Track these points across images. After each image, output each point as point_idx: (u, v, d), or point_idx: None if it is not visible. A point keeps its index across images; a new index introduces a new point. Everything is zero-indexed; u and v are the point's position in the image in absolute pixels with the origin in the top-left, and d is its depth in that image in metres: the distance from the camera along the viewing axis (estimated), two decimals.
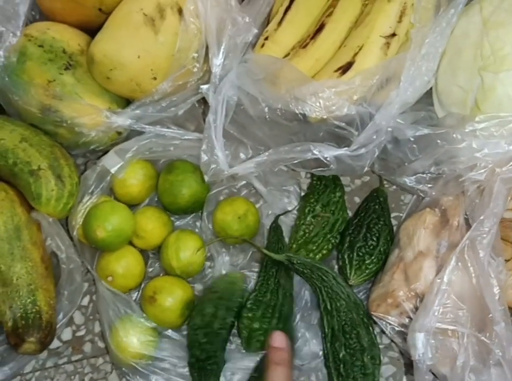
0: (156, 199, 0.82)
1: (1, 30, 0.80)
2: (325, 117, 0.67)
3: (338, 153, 0.66)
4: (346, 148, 0.66)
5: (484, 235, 0.61)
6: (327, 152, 0.66)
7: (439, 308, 0.62)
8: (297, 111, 0.67)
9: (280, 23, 0.77)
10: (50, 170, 0.77)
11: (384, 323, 0.66)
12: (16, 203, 0.77)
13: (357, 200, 0.80)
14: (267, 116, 0.70)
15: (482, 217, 0.60)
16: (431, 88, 0.74)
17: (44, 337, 0.70)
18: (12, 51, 0.80)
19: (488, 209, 0.60)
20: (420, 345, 0.59)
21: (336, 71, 0.70)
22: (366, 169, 0.69)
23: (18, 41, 0.81)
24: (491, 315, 0.59)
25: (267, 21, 0.81)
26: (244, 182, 0.81)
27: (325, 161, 0.67)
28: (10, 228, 0.74)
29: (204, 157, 0.71)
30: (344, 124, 0.66)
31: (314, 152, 0.66)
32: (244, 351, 0.71)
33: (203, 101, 0.86)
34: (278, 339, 0.60)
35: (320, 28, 0.74)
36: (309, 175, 0.82)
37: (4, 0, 0.81)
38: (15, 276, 0.72)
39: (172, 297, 0.71)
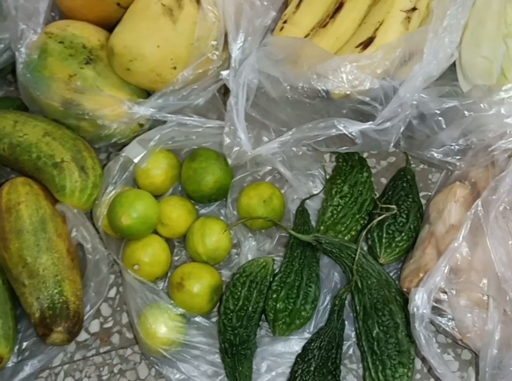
0: (179, 189, 0.81)
1: (23, 28, 0.81)
2: (348, 92, 0.66)
3: (363, 127, 0.65)
4: (371, 122, 0.65)
5: (494, 196, 0.59)
6: (352, 127, 0.65)
7: (446, 267, 0.60)
8: (319, 88, 0.66)
9: (298, 6, 0.76)
10: (73, 162, 0.77)
11: None
12: (40, 197, 0.77)
13: (384, 181, 0.79)
14: (289, 96, 0.69)
15: (497, 177, 0.59)
16: (454, 63, 0.73)
17: (72, 327, 0.69)
18: (34, 48, 0.81)
19: (506, 171, 0.58)
20: (418, 300, 0.58)
21: (357, 46, 0.69)
22: (392, 144, 0.68)
23: (39, 38, 0.82)
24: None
25: (284, 6, 0.81)
26: (268, 168, 0.81)
27: (350, 136, 0.66)
28: (35, 221, 0.74)
29: (227, 140, 0.71)
30: (368, 98, 0.65)
31: (339, 127, 0.65)
32: (272, 336, 0.70)
33: (224, 91, 0.86)
34: None
35: (339, 7, 0.73)
36: (333, 158, 0.81)
37: None
38: (41, 267, 0.71)
39: (200, 283, 0.70)
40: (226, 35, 0.77)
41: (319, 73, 0.66)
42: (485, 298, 0.61)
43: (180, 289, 0.70)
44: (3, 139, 0.80)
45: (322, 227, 0.73)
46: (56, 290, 0.71)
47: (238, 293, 0.69)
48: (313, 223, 0.76)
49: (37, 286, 0.71)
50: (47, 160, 0.77)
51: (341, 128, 0.65)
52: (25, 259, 0.72)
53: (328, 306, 0.70)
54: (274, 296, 0.69)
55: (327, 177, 0.79)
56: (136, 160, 0.77)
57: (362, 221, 0.73)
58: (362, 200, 0.73)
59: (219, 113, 0.86)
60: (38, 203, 0.76)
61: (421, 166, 0.78)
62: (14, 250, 0.72)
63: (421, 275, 0.63)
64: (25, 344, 0.74)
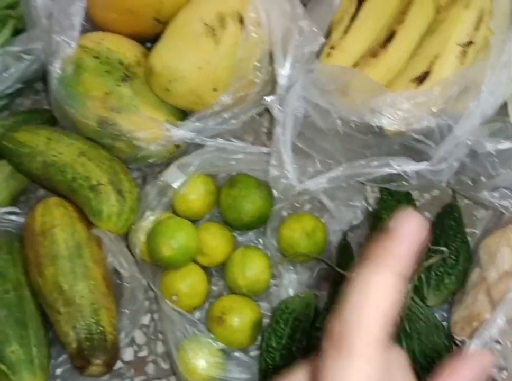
0: (217, 214, 0.79)
1: (57, 41, 0.78)
2: (403, 129, 0.64)
3: (418, 168, 0.63)
4: (426, 162, 0.63)
5: None
6: (407, 167, 0.63)
7: (502, 320, 0.59)
8: (373, 124, 0.64)
9: (346, 31, 0.74)
10: (110, 185, 0.74)
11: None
12: (75, 220, 0.74)
13: (428, 215, 0.77)
14: (340, 129, 0.67)
15: None
16: None
17: (110, 359, 0.67)
18: (68, 62, 0.78)
19: None
20: None
21: (412, 81, 0.67)
22: (444, 183, 0.66)
23: (74, 52, 0.78)
24: None
25: (328, 29, 0.78)
26: (307, 196, 0.78)
27: (405, 176, 0.64)
28: (71, 246, 0.72)
29: (273, 172, 0.69)
30: (422, 136, 0.63)
31: (394, 166, 0.63)
32: None
33: (261, 112, 0.83)
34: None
35: (391, 36, 0.71)
36: (375, 189, 0.78)
37: (59, 10, 0.79)
38: (77, 295, 0.69)
39: (241, 318, 0.69)
40: (268, 57, 0.75)
41: (373, 109, 0.64)
42: None
43: (220, 324, 0.69)
44: (37, 158, 0.77)
45: None
46: (93, 320, 0.69)
47: (281, 331, 0.67)
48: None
49: (73, 314, 0.69)
50: (83, 181, 0.75)
51: (396, 167, 0.63)
52: (60, 286, 0.70)
53: None
54: (319, 335, 0.67)
55: (369, 208, 0.77)
56: (175, 185, 0.75)
57: None
58: None
59: (256, 135, 0.84)
60: (74, 226, 0.74)
61: (466, 201, 0.76)
62: (49, 275, 0.70)
63: (474, 324, 0.62)
64: (58, 371, 0.72)
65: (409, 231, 0.29)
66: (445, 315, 0.70)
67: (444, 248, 0.67)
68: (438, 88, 0.64)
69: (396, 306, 0.29)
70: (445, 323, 0.68)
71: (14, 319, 0.70)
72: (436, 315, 0.69)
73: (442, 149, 0.63)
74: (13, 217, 0.78)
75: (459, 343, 0.64)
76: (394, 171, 0.64)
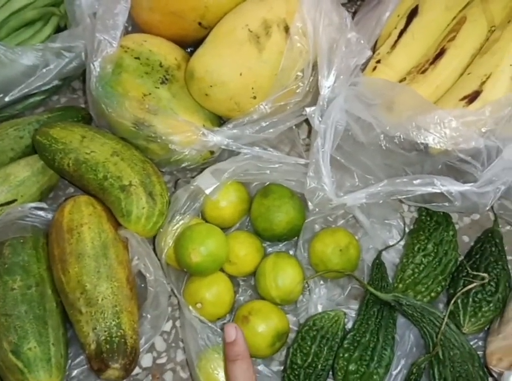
0: (246, 223, 0.78)
1: (100, 40, 0.78)
2: (449, 148, 0.61)
3: (464, 189, 0.61)
4: (471, 184, 0.61)
5: None
6: (452, 187, 0.61)
7: None
8: (419, 141, 0.62)
9: (393, 46, 0.73)
10: (142, 186, 0.73)
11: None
12: (103, 219, 0.73)
13: (466, 239, 0.74)
14: (383, 144, 0.65)
15: None
16: None
17: (129, 364, 0.65)
18: (108, 61, 0.77)
19: None
20: None
21: (461, 99, 0.65)
22: (488, 207, 0.63)
23: (115, 52, 0.78)
24: None
25: (375, 43, 0.77)
26: (341, 211, 0.76)
27: (449, 197, 0.61)
28: (97, 245, 0.70)
29: (310, 183, 0.67)
30: (469, 157, 0.61)
31: (438, 185, 0.61)
32: None
33: (299, 123, 0.82)
34: (230, 333, 0.57)
35: (440, 53, 0.69)
36: (412, 208, 0.76)
37: (104, 9, 0.79)
38: (100, 296, 0.68)
39: (266, 323, 0.66)
40: (312, 67, 0.74)
41: (419, 125, 0.62)
42: None
43: (244, 323, 0.66)
44: (69, 155, 0.76)
45: (400, 285, 0.68)
46: (114, 322, 0.67)
47: (308, 348, 0.65)
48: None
49: (94, 315, 0.67)
50: (114, 181, 0.73)
51: (440, 187, 0.61)
52: (84, 285, 0.68)
53: (402, 372, 0.66)
54: (346, 355, 0.65)
55: (405, 228, 0.74)
56: (207, 191, 0.73)
57: (443, 283, 0.68)
58: (447, 261, 0.69)
59: (292, 146, 0.83)
60: (101, 226, 0.72)
61: (508, 227, 0.74)
62: (73, 274, 0.69)
63: None
64: (74, 372, 0.70)
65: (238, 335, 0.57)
66: (480, 343, 0.67)
67: (485, 275, 0.64)
68: (489, 108, 0.62)
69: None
70: (479, 353, 0.65)
71: (33, 315, 0.68)
72: (472, 343, 0.66)
73: (490, 172, 0.61)
74: (41, 213, 0.76)
75: (495, 375, 0.61)
76: (437, 191, 0.61)
